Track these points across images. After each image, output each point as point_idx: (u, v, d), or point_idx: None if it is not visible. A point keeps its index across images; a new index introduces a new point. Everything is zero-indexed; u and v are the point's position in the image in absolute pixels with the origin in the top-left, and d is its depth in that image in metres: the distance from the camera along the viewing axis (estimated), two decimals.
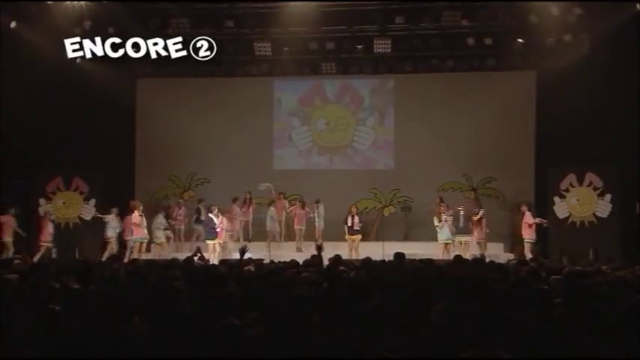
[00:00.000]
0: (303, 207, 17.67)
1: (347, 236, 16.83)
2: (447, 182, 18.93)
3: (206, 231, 16.62)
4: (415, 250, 16.18)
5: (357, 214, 17.14)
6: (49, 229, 16.60)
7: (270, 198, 18.00)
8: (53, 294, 5.94)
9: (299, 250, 16.84)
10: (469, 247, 16.29)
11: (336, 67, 19.04)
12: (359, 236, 16.91)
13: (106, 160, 18.33)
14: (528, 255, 15.39)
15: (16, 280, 7.32)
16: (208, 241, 16.32)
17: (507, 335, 4.48)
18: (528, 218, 16.44)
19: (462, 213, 16.64)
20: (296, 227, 17.72)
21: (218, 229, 16.40)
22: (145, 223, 16.73)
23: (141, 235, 16.59)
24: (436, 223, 16.68)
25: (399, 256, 9.61)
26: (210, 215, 16.56)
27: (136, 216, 16.57)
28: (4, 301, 5.57)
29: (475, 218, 16.59)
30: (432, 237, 16.97)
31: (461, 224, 16.60)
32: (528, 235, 16.32)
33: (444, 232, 16.57)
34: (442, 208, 16.85)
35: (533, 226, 16.38)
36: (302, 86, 20.21)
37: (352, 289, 6.16)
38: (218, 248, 16.29)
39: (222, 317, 4.34)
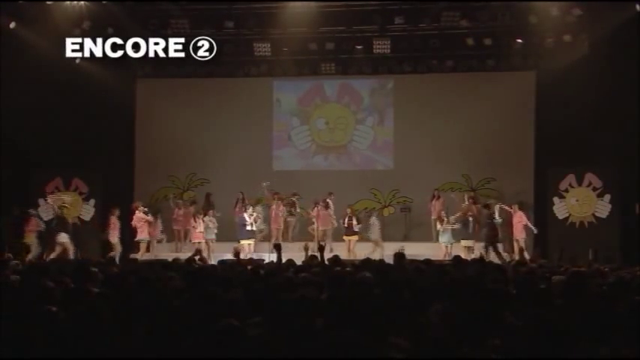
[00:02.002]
0: (326, 207, 17.42)
1: (344, 237, 16.88)
2: (446, 183, 18.93)
3: (240, 231, 16.64)
4: (415, 250, 16.15)
5: (353, 215, 17.11)
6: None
7: (267, 198, 17.97)
8: (52, 294, 5.94)
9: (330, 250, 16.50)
10: (473, 252, 16.16)
11: (335, 67, 19.04)
12: (356, 237, 16.89)
13: (106, 161, 18.33)
14: (518, 254, 15.41)
15: (15, 281, 7.33)
16: (243, 242, 16.33)
17: (507, 335, 4.49)
18: (520, 218, 16.43)
19: (470, 219, 16.64)
20: (320, 228, 17.38)
21: (255, 229, 16.49)
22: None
23: (142, 236, 16.57)
24: (438, 227, 16.71)
25: (398, 256, 9.55)
26: (244, 215, 16.61)
27: (137, 216, 16.56)
28: (4, 301, 5.57)
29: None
30: (432, 237, 16.99)
31: (469, 230, 16.52)
32: (520, 234, 16.34)
33: (445, 235, 16.57)
34: (440, 207, 16.98)
35: (522, 226, 16.38)
36: (301, 87, 20.20)
37: (352, 289, 6.16)
38: (251, 248, 16.19)
39: (222, 318, 4.35)
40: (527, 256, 15.01)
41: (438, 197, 17.94)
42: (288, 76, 19.66)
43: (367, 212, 17.58)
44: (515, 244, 16.28)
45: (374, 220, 17.19)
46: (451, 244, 16.40)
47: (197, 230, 16.76)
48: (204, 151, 19.58)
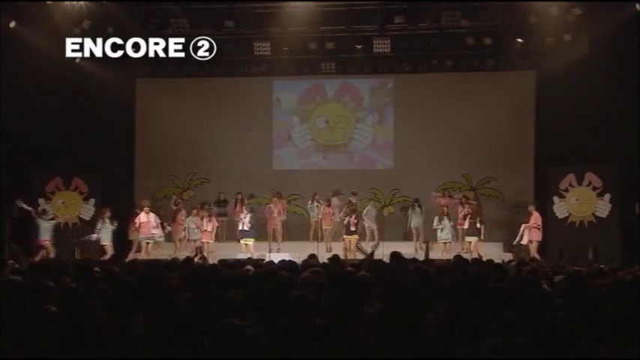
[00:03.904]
0: (328, 205, 17.44)
1: (344, 237, 16.85)
2: (446, 182, 18.93)
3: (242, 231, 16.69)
4: (414, 249, 16.19)
5: (352, 214, 17.08)
6: None
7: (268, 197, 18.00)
8: (52, 294, 5.94)
9: (329, 250, 16.41)
10: (477, 248, 16.14)
11: (335, 67, 19.02)
12: (355, 237, 16.85)
13: (106, 160, 18.34)
14: (534, 255, 15.32)
15: (15, 281, 7.31)
16: (244, 240, 16.47)
17: (507, 335, 4.49)
18: (536, 219, 16.33)
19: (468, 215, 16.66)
20: (325, 227, 17.47)
21: (246, 228, 16.52)
22: (152, 223, 16.69)
23: (146, 234, 16.55)
24: (435, 224, 16.73)
25: (395, 255, 9.45)
26: (248, 215, 16.66)
27: (143, 215, 16.55)
28: (4, 301, 5.57)
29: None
30: (431, 237, 16.99)
31: (467, 226, 16.59)
32: (536, 236, 16.25)
33: (443, 232, 16.63)
34: (443, 202, 16.98)
35: (540, 227, 16.30)
36: (301, 86, 20.19)
37: (352, 289, 6.15)
38: (250, 248, 16.25)
39: (222, 317, 4.34)
40: (537, 257, 14.95)
41: (450, 196, 17.87)
42: (288, 76, 19.66)
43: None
44: (530, 246, 16.10)
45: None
46: (450, 242, 16.54)
47: (205, 230, 16.75)
48: (204, 151, 19.58)
